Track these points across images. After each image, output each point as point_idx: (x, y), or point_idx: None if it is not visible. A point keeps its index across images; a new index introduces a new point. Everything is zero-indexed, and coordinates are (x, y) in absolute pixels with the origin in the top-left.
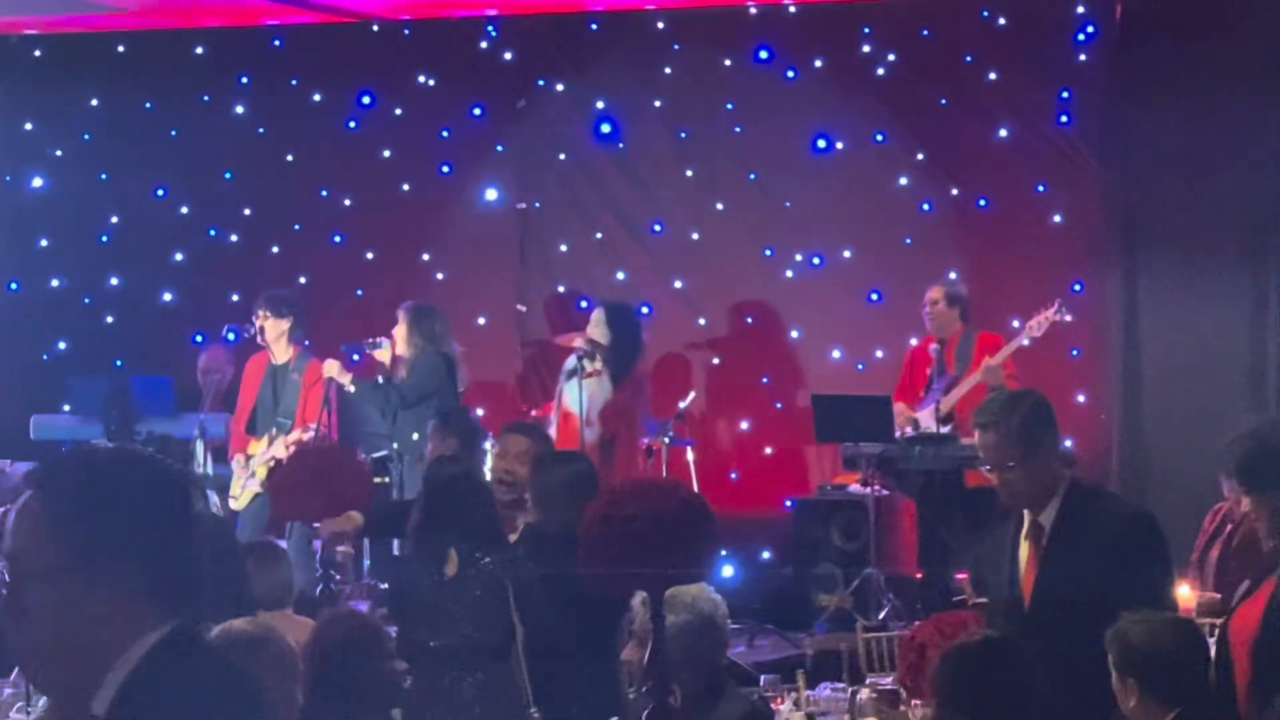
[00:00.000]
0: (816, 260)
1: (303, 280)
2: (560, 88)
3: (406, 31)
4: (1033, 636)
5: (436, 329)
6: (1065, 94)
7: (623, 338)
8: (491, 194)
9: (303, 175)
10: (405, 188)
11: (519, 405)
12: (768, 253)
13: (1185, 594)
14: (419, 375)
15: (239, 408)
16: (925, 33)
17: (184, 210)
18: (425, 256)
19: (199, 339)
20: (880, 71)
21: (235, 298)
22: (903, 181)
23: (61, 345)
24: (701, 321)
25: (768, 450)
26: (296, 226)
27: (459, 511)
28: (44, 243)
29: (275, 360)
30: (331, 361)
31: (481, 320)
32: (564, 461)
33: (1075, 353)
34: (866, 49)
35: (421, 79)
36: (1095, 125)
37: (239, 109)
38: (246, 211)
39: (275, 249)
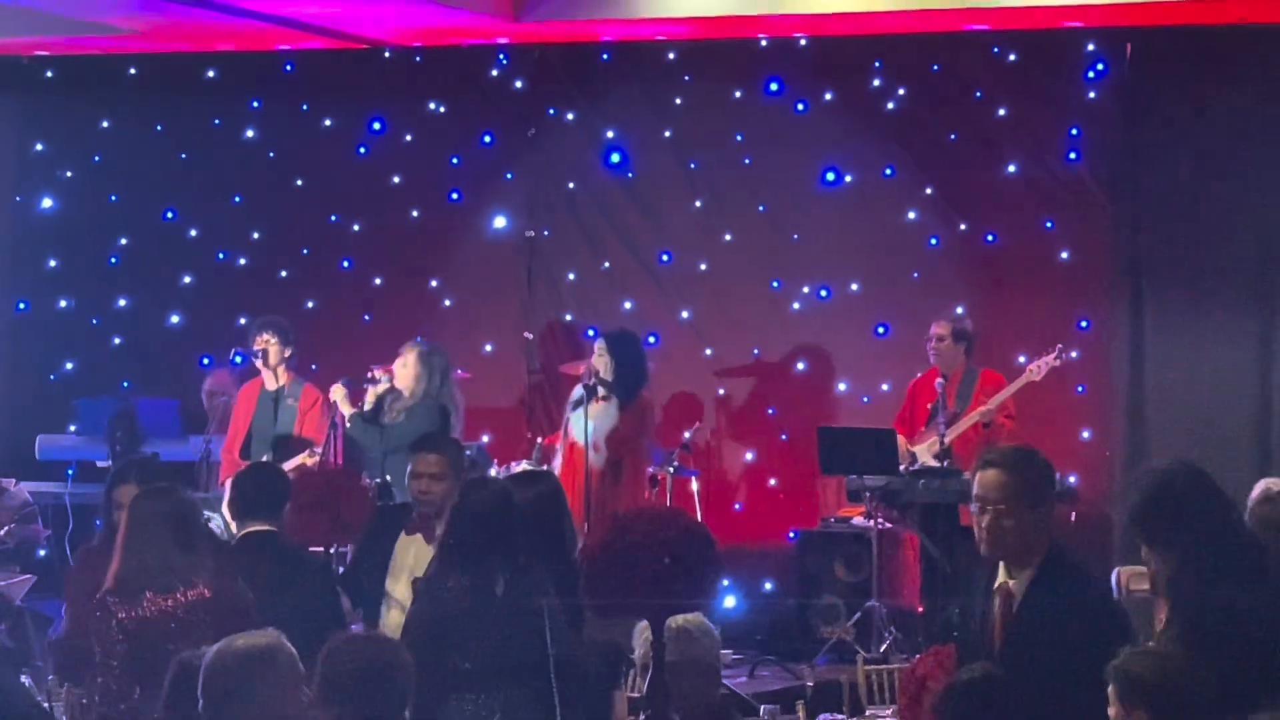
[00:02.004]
0: (824, 292)
1: (310, 305)
2: (570, 116)
3: (418, 58)
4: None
5: (442, 375)
6: (1074, 131)
7: (626, 365)
8: (500, 221)
9: (312, 200)
10: (414, 214)
11: (525, 433)
12: (775, 284)
13: None
14: (414, 425)
15: (232, 432)
16: (935, 67)
17: (193, 233)
18: (433, 283)
19: (206, 361)
20: (890, 105)
21: (243, 321)
22: (911, 215)
23: (69, 366)
24: (708, 352)
25: (772, 481)
26: (305, 251)
27: (505, 531)
28: (53, 263)
29: (269, 385)
30: (338, 386)
31: (489, 347)
32: (529, 482)
33: (1081, 389)
34: (877, 82)
35: (432, 106)
36: (1104, 162)
37: (249, 133)
38: (255, 235)
39: (283, 273)
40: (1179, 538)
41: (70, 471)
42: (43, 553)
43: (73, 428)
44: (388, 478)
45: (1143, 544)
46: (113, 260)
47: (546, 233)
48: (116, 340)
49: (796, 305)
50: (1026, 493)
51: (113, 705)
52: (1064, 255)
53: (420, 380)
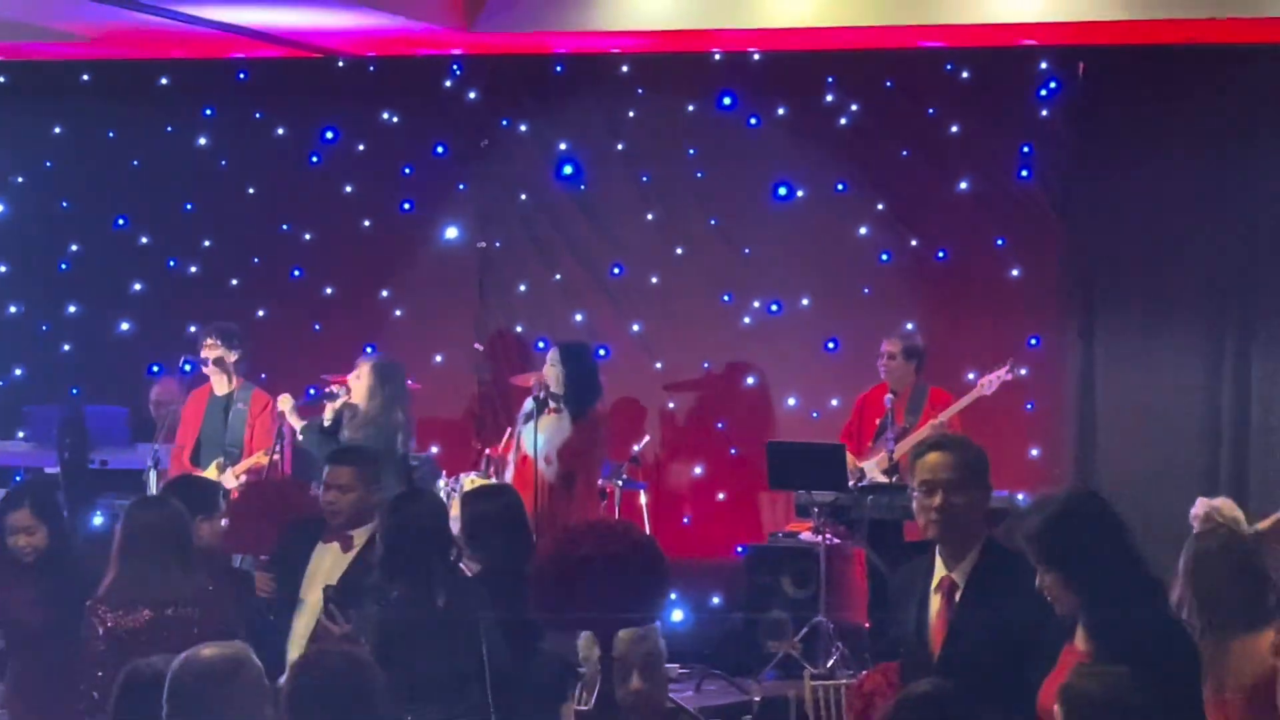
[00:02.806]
0: (774, 307)
1: (261, 313)
2: (524, 128)
3: (371, 68)
4: None
5: (398, 390)
6: (1026, 149)
7: (578, 377)
8: (452, 232)
9: (264, 208)
10: (366, 224)
11: (474, 444)
12: (726, 298)
13: None
14: (369, 441)
15: (180, 439)
16: (889, 84)
17: (144, 240)
18: (384, 293)
19: (155, 369)
20: (843, 121)
21: (193, 329)
22: (862, 231)
23: (18, 372)
24: (658, 365)
25: (720, 495)
26: (256, 259)
27: (439, 545)
28: (2, 269)
29: (218, 391)
30: (285, 397)
31: (439, 358)
32: (490, 496)
33: (1030, 407)
34: (830, 98)
35: (385, 116)
36: (1056, 180)
37: (202, 140)
38: (206, 243)
39: (234, 281)
40: (1077, 562)
41: (18, 478)
42: None
43: (21, 434)
44: None
45: (1042, 568)
46: (63, 266)
47: (498, 244)
48: (66, 347)
49: (747, 319)
50: (972, 471)
51: (94, 717)
52: (1015, 273)
53: (375, 394)
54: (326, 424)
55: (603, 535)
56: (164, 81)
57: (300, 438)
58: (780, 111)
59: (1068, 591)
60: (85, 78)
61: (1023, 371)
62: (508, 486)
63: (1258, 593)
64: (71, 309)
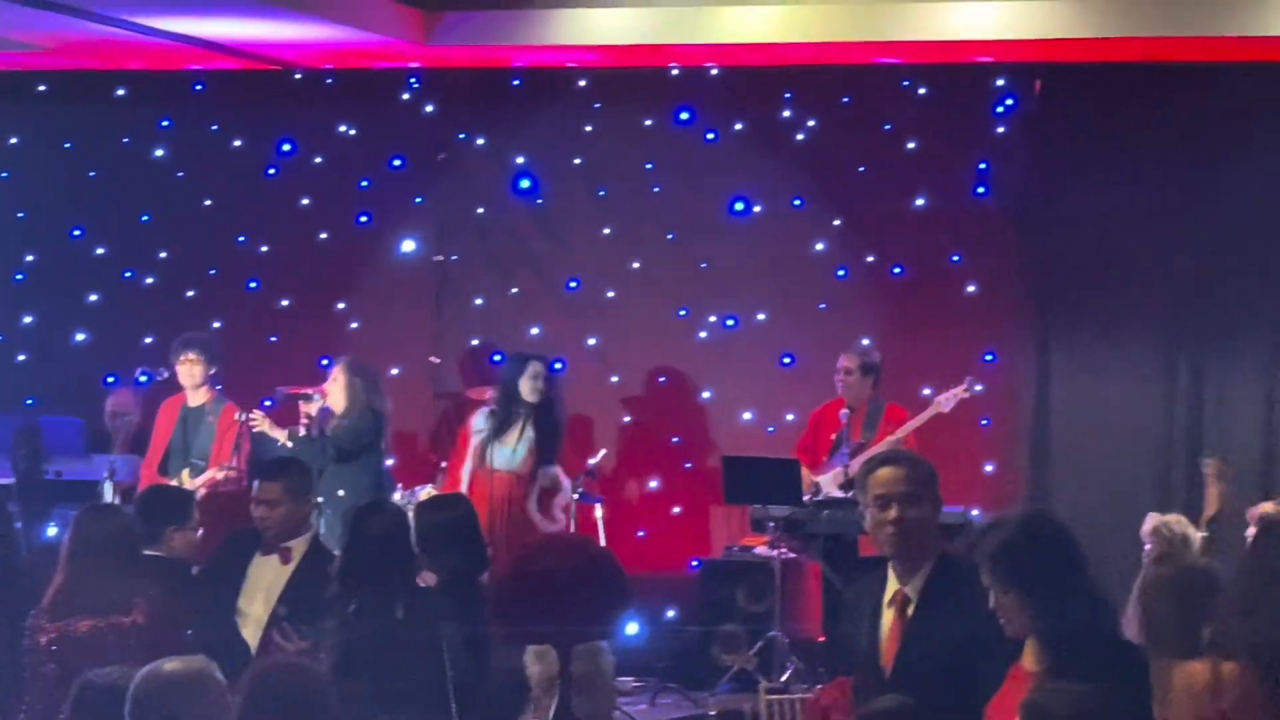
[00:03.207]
0: (731, 322)
1: (217, 325)
2: (481, 142)
3: (329, 80)
4: None
5: (373, 385)
6: (983, 165)
7: (553, 390)
8: (409, 245)
9: (221, 220)
10: (323, 236)
11: (430, 456)
12: (682, 312)
13: None
14: (354, 431)
15: (152, 449)
16: (846, 99)
17: (100, 251)
18: (341, 305)
19: (111, 380)
20: (800, 136)
21: (149, 340)
22: (819, 246)
23: None
24: (614, 379)
25: (676, 509)
26: (213, 271)
27: (401, 556)
28: None
29: (190, 403)
30: (258, 413)
31: (395, 371)
32: (445, 507)
33: (985, 422)
34: (787, 113)
35: (342, 128)
36: (1012, 197)
37: (158, 152)
38: (163, 255)
39: (191, 293)
40: (1033, 584)
41: None
42: None
43: None
44: (319, 500)
45: (997, 587)
46: (19, 277)
47: (455, 257)
48: (21, 357)
49: (703, 334)
50: (924, 486)
51: None
52: (971, 288)
53: (352, 393)
54: (302, 433)
55: (562, 550)
56: (121, 92)
57: (289, 445)
58: (737, 126)
59: (1022, 613)
60: (42, 88)
61: (979, 388)
62: (462, 497)
63: (1196, 623)
64: (27, 319)
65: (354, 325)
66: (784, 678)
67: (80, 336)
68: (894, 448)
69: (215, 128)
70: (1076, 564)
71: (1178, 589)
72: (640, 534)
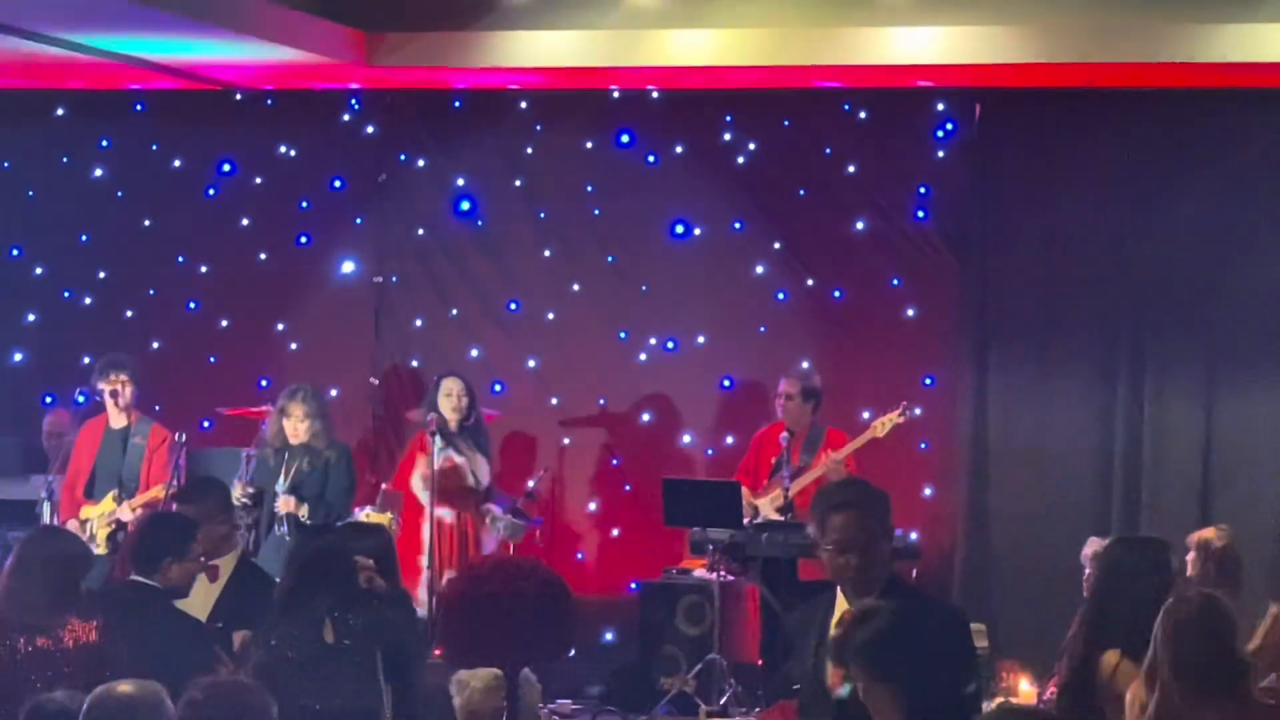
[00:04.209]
0: (670, 344)
1: (156, 345)
2: (421, 163)
3: (269, 101)
4: None
5: (328, 413)
6: (923, 189)
7: (475, 407)
8: (349, 266)
9: (160, 240)
10: (262, 257)
11: (368, 478)
12: (622, 335)
13: (1025, 689)
14: (343, 476)
15: (73, 471)
16: (786, 123)
17: (38, 271)
18: (280, 326)
19: (49, 400)
20: (740, 160)
21: (87, 360)
22: (759, 270)
23: None
24: (554, 401)
25: (615, 531)
26: (151, 291)
27: (331, 579)
28: None
29: (114, 424)
30: (285, 499)
31: (335, 392)
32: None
33: (924, 446)
34: (727, 136)
35: (282, 149)
36: (952, 221)
37: (98, 171)
38: (102, 275)
39: (129, 313)
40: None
41: None
42: None
43: None
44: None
45: (863, 679)
46: None
47: (395, 279)
48: None
49: (643, 356)
50: (880, 528)
51: None
52: (910, 313)
53: (316, 423)
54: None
55: (510, 573)
56: (60, 112)
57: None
58: (678, 149)
59: (893, 707)
60: None
61: (916, 412)
62: (378, 525)
63: (1231, 656)
64: None
65: (293, 346)
66: (723, 700)
67: (18, 356)
68: (848, 480)
69: (155, 147)
70: (950, 656)
71: (1207, 627)
72: (579, 556)
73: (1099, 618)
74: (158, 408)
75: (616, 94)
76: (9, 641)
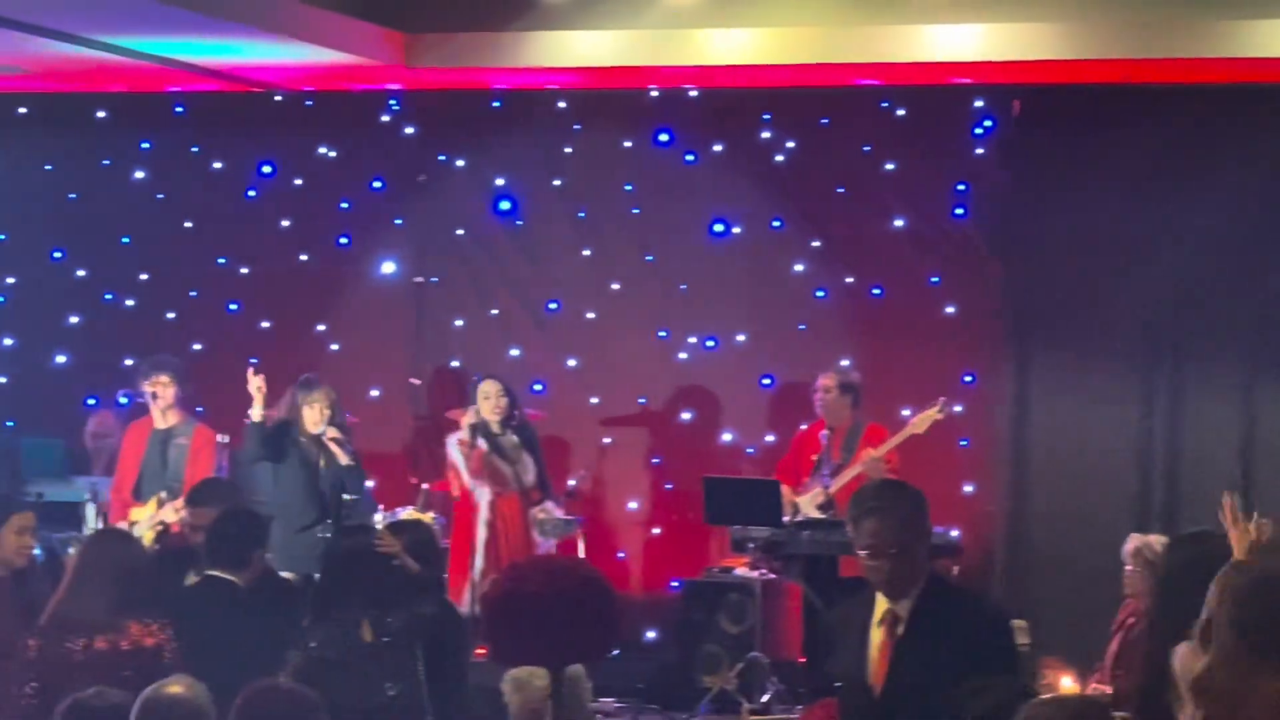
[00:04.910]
0: (710, 343)
1: (197, 347)
2: (461, 163)
3: (309, 102)
4: None
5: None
6: (962, 186)
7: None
8: (389, 267)
9: (201, 242)
10: (303, 258)
11: (409, 478)
12: (662, 334)
13: (1067, 685)
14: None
15: (121, 473)
16: (824, 121)
17: (80, 273)
18: (321, 327)
19: (92, 402)
20: (779, 158)
21: (129, 362)
22: (798, 268)
23: None
24: (594, 400)
25: (656, 530)
26: (193, 293)
27: (369, 578)
28: None
29: (158, 425)
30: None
31: (375, 392)
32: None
33: (964, 443)
34: (766, 135)
35: (322, 150)
36: (990, 218)
37: (139, 174)
38: (143, 276)
39: (171, 315)
40: None
41: None
42: None
43: None
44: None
45: None
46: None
47: (435, 279)
48: (2, 379)
49: (683, 355)
50: (913, 530)
51: None
52: (950, 310)
53: (336, 416)
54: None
55: (553, 572)
56: (101, 114)
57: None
58: (717, 148)
59: None
60: (22, 110)
61: (957, 409)
62: (419, 521)
63: None
64: (7, 341)
65: (334, 347)
66: (765, 699)
67: (61, 358)
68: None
69: (196, 150)
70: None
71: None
72: (620, 555)
73: (1167, 615)
74: (200, 409)
75: (655, 93)
76: (67, 644)
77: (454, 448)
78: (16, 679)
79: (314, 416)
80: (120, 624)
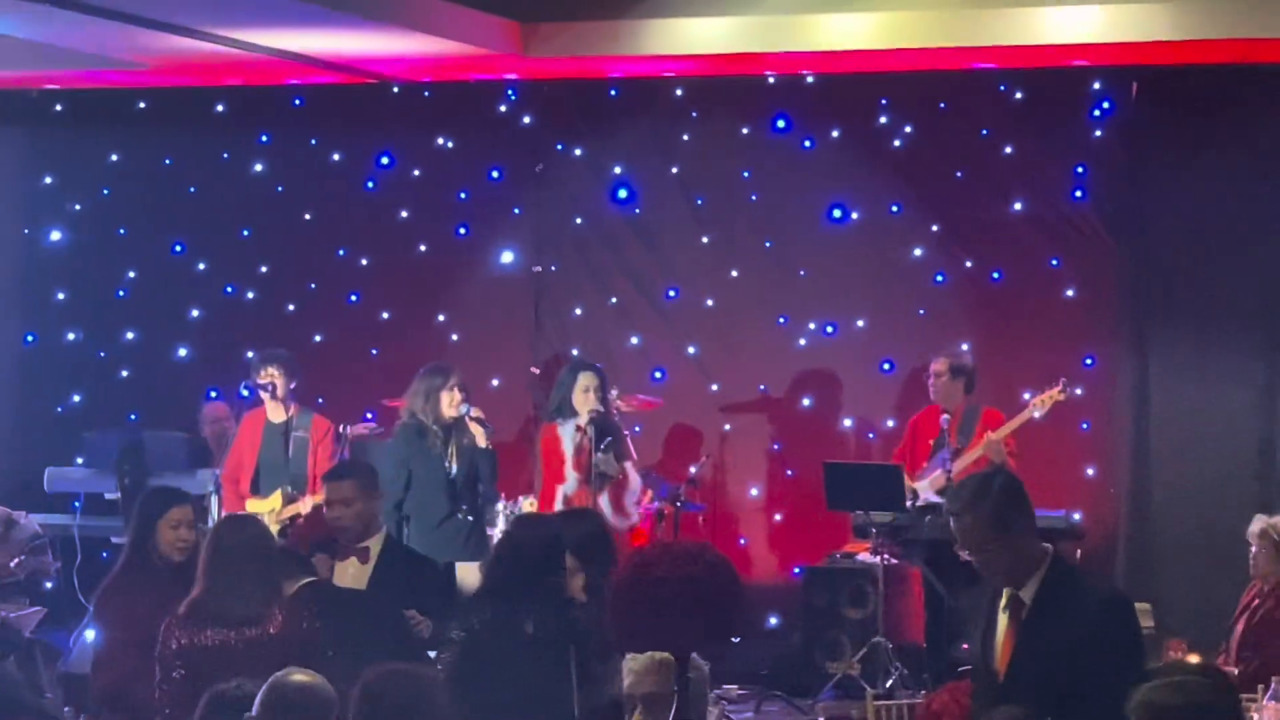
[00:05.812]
0: (830, 329)
1: (318, 339)
2: (578, 152)
3: (426, 93)
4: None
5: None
6: (1080, 169)
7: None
8: (508, 256)
9: (320, 234)
10: (422, 248)
11: (530, 465)
12: (781, 320)
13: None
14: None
15: (233, 464)
16: (942, 105)
17: (201, 266)
18: (441, 317)
19: (213, 394)
20: (897, 143)
21: (250, 355)
22: (917, 253)
23: (76, 398)
24: (714, 387)
25: (777, 516)
26: (312, 285)
27: (546, 572)
28: (61, 296)
29: (274, 418)
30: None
31: (496, 382)
32: (580, 519)
33: (1085, 426)
34: (883, 120)
35: (440, 141)
36: (1109, 201)
37: (258, 167)
38: (263, 269)
39: (291, 307)
40: None
41: (77, 504)
42: (49, 585)
43: (80, 460)
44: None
45: None
46: (121, 293)
47: (554, 268)
48: (124, 373)
49: (802, 341)
50: (992, 526)
51: None
52: (1069, 293)
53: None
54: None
55: (678, 556)
56: (220, 108)
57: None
58: (834, 134)
59: None
60: (142, 105)
61: (1078, 392)
62: (593, 511)
63: None
64: (129, 335)
65: (454, 337)
66: (888, 684)
67: (182, 352)
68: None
69: (314, 142)
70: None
71: None
72: (742, 541)
73: None
74: (320, 400)
75: (772, 79)
76: (209, 632)
77: (570, 436)
78: (165, 669)
79: (452, 399)
80: (267, 612)
